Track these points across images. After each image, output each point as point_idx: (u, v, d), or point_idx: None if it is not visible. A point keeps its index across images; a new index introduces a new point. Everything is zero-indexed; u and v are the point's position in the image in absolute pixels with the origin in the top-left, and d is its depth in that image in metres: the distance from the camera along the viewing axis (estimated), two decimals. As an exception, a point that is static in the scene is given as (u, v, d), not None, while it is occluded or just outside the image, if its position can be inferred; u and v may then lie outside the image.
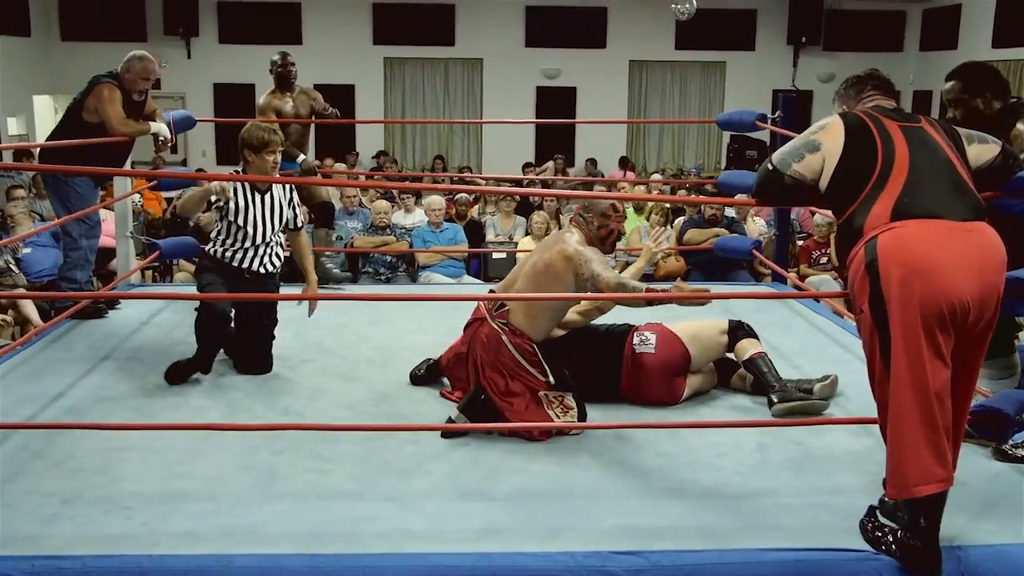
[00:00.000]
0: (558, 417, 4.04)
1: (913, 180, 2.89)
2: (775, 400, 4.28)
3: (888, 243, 2.83)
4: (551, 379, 4.12)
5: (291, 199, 4.86)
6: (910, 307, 2.78)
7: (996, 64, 4.01)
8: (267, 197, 4.73)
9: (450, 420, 4.04)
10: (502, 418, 4.03)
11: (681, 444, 3.92)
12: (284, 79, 6.78)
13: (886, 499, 3.15)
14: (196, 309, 4.60)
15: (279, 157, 4.75)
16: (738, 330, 4.47)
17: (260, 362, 4.78)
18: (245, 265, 4.68)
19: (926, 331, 2.80)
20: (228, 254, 4.65)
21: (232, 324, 4.70)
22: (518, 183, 12.50)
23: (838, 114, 3.16)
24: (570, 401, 4.11)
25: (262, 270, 4.77)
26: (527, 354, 4.10)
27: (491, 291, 4.42)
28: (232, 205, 4.62)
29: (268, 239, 4.76)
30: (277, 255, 4.87)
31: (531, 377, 4.09)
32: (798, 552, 3.07)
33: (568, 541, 3.11)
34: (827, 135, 3.06)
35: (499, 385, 4.07)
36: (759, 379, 4.40)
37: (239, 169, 4.76)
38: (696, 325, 4.49)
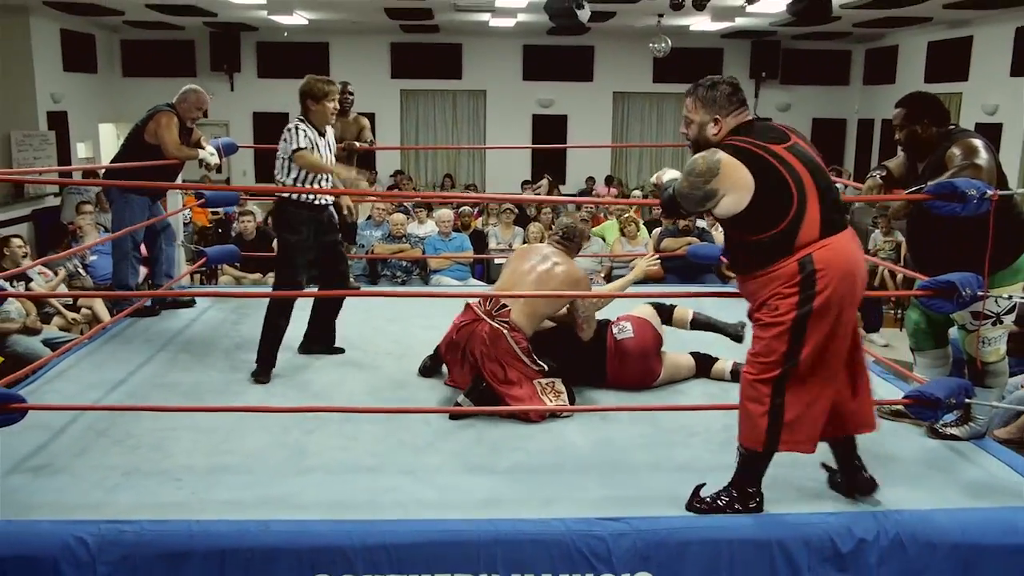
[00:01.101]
0: (551, 402, 4.04)
1: (824, 198, 2.91)
2: (740, 333, 4.56)
3: (826, 257, 2.88)
4: (544, 368, 4.14)
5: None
6: (838, 306, 2.89)
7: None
8: (326, 138, 4.87)
9: (457, 404, 4.04)
10: (502, 403, 4.03)
11: (658, 425, 3.92)
12: (340, 106, 6.68)
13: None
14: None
15: (338, 104, 4.88)
16: (663, 306, 4.69)
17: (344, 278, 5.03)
18: (319, 203, 4.70)
19: (848, 324, 2.97)
20: (307, 197, 4.66)
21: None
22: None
23: (730, 154, 2.89)
24: (560, 387, 4.13)
25: (326, 200, 4.80)
26: (523, 348, 4.10)
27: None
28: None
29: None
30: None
31: (526, 367, 4.10)
32: (759, 517, 3.08)
33: (561, 509, 3.12)
34: (726, 180, 2.87)
35: (499, 375, 4.06)
36: (711, 327, 4.68)
37: (301, 117, 4.77)
38: (646, 311, 4.60)
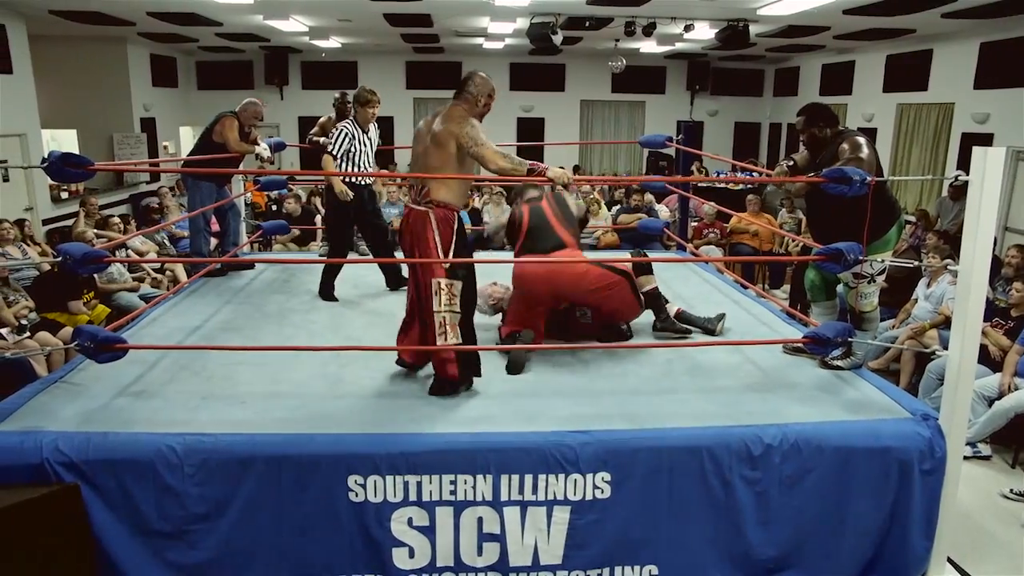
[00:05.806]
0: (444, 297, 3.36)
1: None
2: (657, 326, 4.27)
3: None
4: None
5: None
6: None
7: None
8: (368, 134, 5.14)
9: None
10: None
11: (615, 359, 3.92)
12: (340, 112, 6.24)
13: None
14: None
15: (376, 111, 5.08)
16: (640, 266, 4.21)
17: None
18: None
19: None
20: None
21: None
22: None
23: None
24: (456, 289, 3.39)
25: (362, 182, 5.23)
26: (440, 217, 3.34)
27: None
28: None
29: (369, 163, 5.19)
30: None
31: (437, 247, 3.35)
32: (692, 430, 3.10)
33: (539, 424, 3.12)
34: None
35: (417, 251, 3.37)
36: (689, 322, 4.33)
37: (351, 119, 5.11)
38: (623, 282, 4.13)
